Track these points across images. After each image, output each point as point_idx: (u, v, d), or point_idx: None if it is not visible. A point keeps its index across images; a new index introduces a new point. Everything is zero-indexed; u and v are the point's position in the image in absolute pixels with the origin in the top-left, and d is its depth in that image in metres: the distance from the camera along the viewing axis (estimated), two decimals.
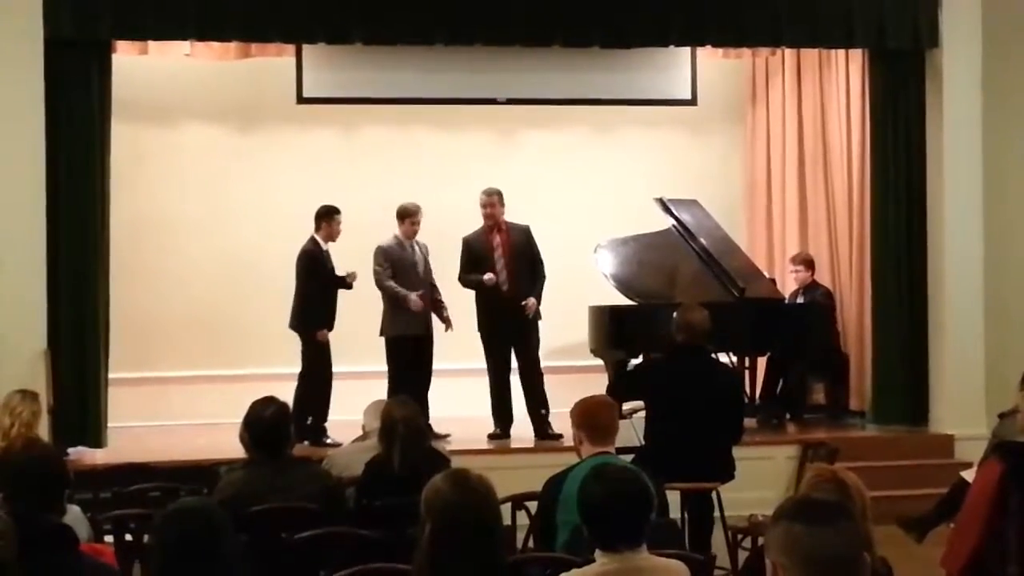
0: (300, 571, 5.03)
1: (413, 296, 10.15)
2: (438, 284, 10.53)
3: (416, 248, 10.39)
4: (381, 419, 6.05)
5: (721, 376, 7.76)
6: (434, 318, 10.42)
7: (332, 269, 10.34)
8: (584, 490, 4.10)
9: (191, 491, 6.06)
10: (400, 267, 10.27)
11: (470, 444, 9.62)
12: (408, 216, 10.33)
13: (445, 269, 10.52)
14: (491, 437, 10.18)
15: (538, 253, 10.36)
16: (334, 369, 10.28)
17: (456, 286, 10.42)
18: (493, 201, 10.28)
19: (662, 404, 7.25)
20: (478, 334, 10.31)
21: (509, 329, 10.19)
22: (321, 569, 4.68)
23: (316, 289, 10.20)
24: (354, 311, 10.30)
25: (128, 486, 6.58)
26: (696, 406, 7.12)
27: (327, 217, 10.31)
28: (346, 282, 10.28)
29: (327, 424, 10.10)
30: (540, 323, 10.28)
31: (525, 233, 10.37)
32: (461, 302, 10.45)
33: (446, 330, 10.43)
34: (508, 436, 10.18)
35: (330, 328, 10.24)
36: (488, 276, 10.10)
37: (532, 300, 10.15)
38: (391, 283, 10.19)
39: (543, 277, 10.30)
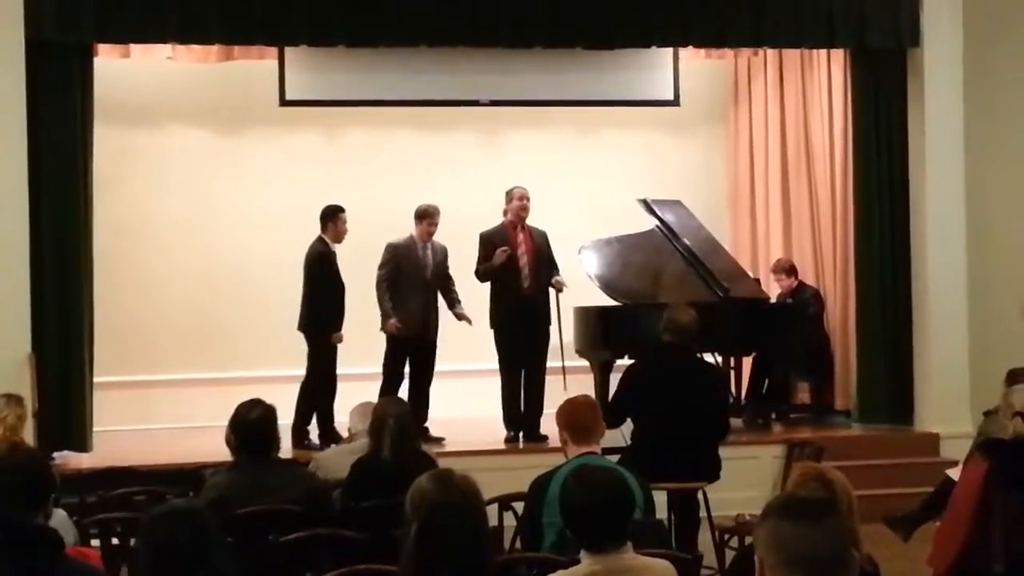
0: (286, 573, 5.02)
1: (391, 320, 10.04)
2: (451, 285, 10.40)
3: (429, 250, 10.27)
4: (373, 414, 6.10)
5: (706, 375, 7.76)
6: (442, 320, 10.32)
7: (338, 270, 10.21)
8: (564, 492, 4.10)
9: (177, 494, 6.05)
10: (407, 266, 10.16)
11: (458, 446, 9.61)
12: (427, 218, 10.22)
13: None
14: (508, 441, 10.03)
15: (554, 259, 10.33)
16: None
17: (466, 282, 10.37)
18: (528, 196, 10.24)
19: (648, 405, 7.24)
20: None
21: (526, 328, 10.03)
22: (307, 571, 4.67)
23: (327, 290, 10.07)
24: (349, 314, 10.22)
25: (114, 490, 6.56)
26: (682, 407, 7.11)
27: (332, 217, 10.19)
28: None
29: (310, 428, 10.02)
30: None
31: (544, 237, 10.31)
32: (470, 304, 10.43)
33: (469, 324, 10.28)
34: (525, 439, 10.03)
35: (338, 330, 10.14)
36: (502, 249, 9.94)
37: (561, 279, 10.19)
38: (385, 295, 10.06)
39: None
